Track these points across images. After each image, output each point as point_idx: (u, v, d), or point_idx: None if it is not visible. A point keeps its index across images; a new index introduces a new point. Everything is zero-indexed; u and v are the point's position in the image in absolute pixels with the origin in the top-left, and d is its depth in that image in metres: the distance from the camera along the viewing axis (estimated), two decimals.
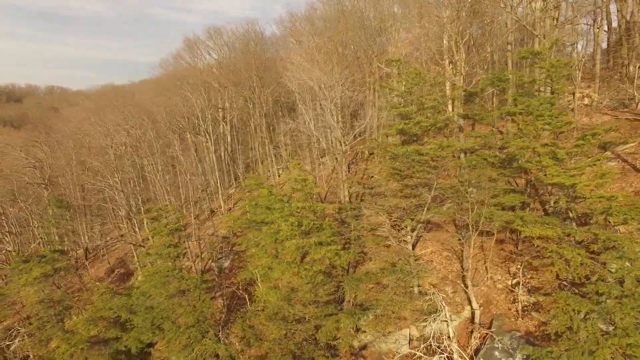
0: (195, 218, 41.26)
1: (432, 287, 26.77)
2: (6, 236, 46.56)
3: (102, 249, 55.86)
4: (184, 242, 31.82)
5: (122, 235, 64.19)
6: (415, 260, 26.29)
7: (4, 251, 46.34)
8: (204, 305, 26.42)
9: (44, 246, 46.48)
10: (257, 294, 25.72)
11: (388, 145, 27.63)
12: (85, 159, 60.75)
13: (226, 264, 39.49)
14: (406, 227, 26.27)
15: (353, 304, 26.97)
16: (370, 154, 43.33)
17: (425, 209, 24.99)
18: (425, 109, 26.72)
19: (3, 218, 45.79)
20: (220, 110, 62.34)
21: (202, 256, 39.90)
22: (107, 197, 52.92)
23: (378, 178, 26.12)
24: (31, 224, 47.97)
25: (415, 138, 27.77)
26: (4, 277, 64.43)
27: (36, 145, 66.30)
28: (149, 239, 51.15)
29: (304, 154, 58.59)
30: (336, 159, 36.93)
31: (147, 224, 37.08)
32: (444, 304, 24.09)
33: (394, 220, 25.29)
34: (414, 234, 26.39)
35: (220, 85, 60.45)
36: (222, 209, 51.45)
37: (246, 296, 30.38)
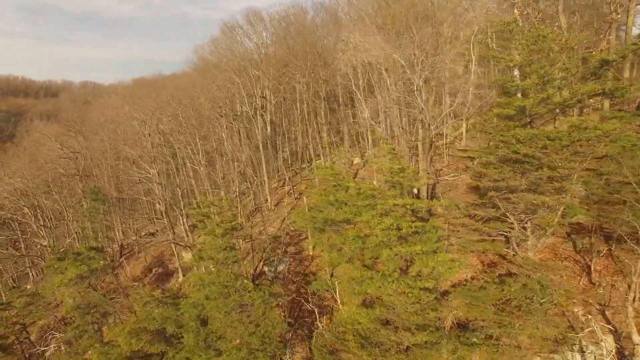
0: (242, 214, 36.42)
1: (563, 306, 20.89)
2: (41, 230, 43.16)
3: (137, 245, 52.09)
4: (238, 243, 26.94)
5: (156, 232, 60.61)
6: (540, 271, 20.43)
7: (39, 246, 42.97)
8: (271, 323, 21.39)
9: (79, 242, 43.05)
10: (341, 311, 20.43)
11: (500, 126, 21.78)
12: (122, 149, 57.22)
13: (280, 267, 34.55)
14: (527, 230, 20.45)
15: (456, 325, 21.44)
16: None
17: (561, 208, 19.07)
18: (550, 81, 20.78)
19: (38, 211, 42.35)
20: (261, 98, 57.52)
21: (253, 258, 35.17)
22: (144, 190, 49.02)
23: (492, 168, 20.40)
24: (66, 218, 44.45)
25: (529, 119, 21.93)
26: (40, 271, 62.09)
27: (71, 135, 63.43)
28: (187, 236, 46.99)
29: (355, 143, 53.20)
30: (416, 148, 31.24)
31: (195, 220, 32.58)
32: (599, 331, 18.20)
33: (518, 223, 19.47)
34: (541, 240, 20.51)
35: (262, 72, 55.50)
36: (269, 203, 46.62)
37: (315, 310, 25.20)
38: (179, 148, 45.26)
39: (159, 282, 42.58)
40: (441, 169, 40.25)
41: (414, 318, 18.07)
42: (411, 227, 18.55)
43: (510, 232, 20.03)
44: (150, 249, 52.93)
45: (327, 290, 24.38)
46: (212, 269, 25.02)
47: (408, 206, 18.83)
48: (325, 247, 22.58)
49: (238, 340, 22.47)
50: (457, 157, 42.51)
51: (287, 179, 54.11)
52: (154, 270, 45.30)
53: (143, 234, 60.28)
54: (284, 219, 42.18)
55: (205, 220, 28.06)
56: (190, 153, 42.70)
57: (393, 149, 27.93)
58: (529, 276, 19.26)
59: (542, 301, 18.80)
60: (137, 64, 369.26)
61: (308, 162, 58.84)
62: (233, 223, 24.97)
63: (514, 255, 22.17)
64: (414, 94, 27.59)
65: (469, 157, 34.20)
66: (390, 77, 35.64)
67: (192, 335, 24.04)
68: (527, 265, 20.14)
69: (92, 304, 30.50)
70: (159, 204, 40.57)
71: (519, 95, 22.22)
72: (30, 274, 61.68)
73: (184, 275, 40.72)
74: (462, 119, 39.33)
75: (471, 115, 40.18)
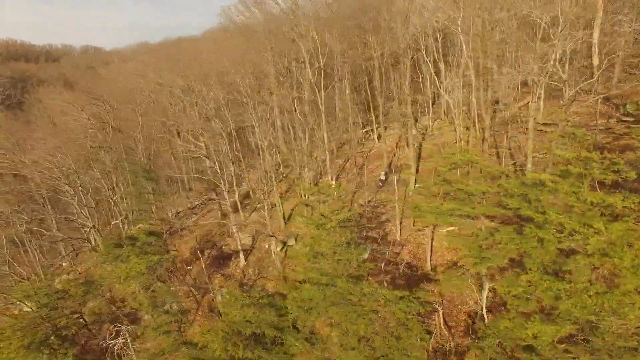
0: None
1: None
2: (84, 210, 39.58)
3: (180, 224, 48.69)
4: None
5: (195, 207, 57.12)
6: None
7: (84, 228, 39.54)
8: (414, 335, 18.12)
9: (128, 225, 39.66)
10: (501, 322, 16.94)
11: None
12: (156, 119, 52.83)
13: (365, 255, 31.20)
14: None
15: None
16: None
17: None
18: None
19: (80, 189, 38.54)
20: (302, 64, 52.18)
21: None
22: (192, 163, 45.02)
23: None
24: (110, 197, 40.79)
25: None
26: (89, 250, 58.62)
27: (98, 104, 58.77)
28: (241, 216, 43.53)
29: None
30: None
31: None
32: None
33: None
34: None
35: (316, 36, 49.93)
36: (329, 179, 42.84)
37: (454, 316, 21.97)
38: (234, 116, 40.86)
39: (214, 266, 39.43)
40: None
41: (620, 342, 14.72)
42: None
43: None
44: (195, 228, 49.61)
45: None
46: (324, 267, 21.59)
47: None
48: (472, 248, 18.89)
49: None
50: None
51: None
52: (205, 252, 42.09)
53: (181, 209, 56.83)
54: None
55: (309, 209, 24.24)
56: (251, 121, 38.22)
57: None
58: None
59: None
60: (136, 29, 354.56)
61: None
62: (349, 214, 21.32)
63: None
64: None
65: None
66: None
67: (299, 342, 20.96)
68: None
69: (166, 301, 27.48)
70: (220, 183, 36.74)
71: None
72: (62, 251, 58.94)
73: (245, 260, 37.56)
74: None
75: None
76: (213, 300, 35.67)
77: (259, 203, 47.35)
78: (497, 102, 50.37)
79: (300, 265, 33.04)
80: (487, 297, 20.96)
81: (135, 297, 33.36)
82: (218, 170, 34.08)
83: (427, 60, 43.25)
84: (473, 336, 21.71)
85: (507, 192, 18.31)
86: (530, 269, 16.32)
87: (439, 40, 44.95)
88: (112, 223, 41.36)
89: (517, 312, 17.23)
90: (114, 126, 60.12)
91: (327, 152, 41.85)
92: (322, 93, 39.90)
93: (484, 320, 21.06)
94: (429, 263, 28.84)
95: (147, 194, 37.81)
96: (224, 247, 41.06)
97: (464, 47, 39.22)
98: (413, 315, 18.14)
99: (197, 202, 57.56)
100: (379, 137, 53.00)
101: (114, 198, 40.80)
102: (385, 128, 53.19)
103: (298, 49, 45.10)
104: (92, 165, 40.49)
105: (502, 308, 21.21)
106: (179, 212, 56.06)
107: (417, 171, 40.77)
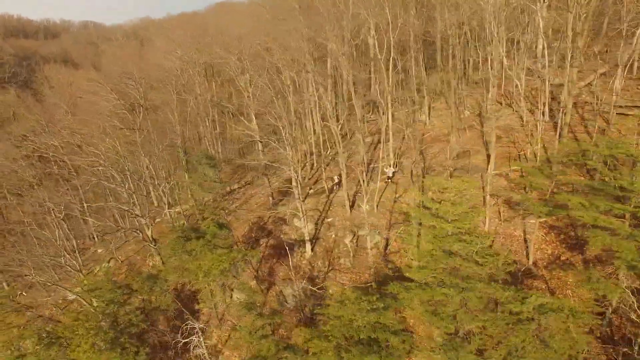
0: None
1: None
2: (132, 197, 37.26)
3: (227, 211, 46.54)
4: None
5: (244, 185, 54.72)
6: None
7: (133, 215, 37.29)
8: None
9: (185, 216, 37.43)
10: None
11: None
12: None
13: None
14: None
15: None
16: None
17: None
18: None
19: (128, 175, 35.98)
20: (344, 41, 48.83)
21: None
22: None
23: None
24: (161, 185, 38.42)
25: None
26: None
27: (130, 84, 55.64)
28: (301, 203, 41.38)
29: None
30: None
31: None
32: None
33: None
34: None
35: None
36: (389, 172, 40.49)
37: None
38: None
39: (274, 257, 37.53)
40: None
41: None
42: None
43: None
44: (239, 214, 47.45)
45: None
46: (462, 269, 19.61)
47: None
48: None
49: None
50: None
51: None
52: (261, 241, 40.16)
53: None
54: None
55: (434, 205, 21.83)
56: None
57: None
58: None
59: None
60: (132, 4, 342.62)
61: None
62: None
63: None
64: None
65: None
66: None
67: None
68: None
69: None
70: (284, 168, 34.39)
71: None
72: (94, 238, 56.88)
73: (312, 250, 35.62)
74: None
75: None
76: (281, 294, 33.98)
77: (310, 189, 45.24)
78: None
79: (404, 262, 31.24)
80: None
81: (212, 293, 31.57)
82: (289, 154, 31.51)
83: (496, 37, 40.34)
84: None
85: None
86: None
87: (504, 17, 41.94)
88: (165, 211, 39.09)
89: None
90: (145, 106, 57.25)
91: (390, 136, 39.35)
92: (390, 73, 37.18)
93: None
94: (528, 257, 27.01)
95: (212, 182, 35.38)
96: (282, 236, 39.04)
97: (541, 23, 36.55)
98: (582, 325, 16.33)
99: (235, 186, 55.31)
100: (428, 118, 50.45)
101: (162, 186, 38.37)
102: (429, 109, 50.49)
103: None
104: (140, 149, 37.78)
105: None
106: (215, 199, 53.81)
107: (488, 157, 38.51)
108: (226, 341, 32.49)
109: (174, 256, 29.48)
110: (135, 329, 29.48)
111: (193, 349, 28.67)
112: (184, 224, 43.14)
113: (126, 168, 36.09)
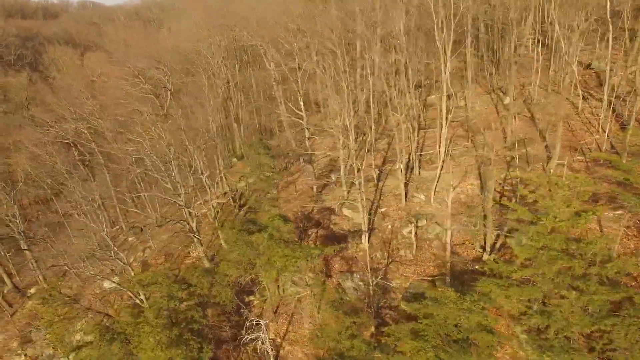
0: None
1: None
2: (177, 188, 35.83)
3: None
4: None
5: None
6: None
7: (179, 206, 35.99)
8: None
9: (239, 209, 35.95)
10: None
11: None
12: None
13: None
14: None
15: None
16: None
17: None
18: None
19: (176, 164, 34.38)
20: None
21: None
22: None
23: None
24: (204, 175, 36.96)
25: None
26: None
27: (158, 67, 53.63)
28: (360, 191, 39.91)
29: None
30: None
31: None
32: None
33: None
34: None
35: None
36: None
37: None
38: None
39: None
40: None
41: None
42: None
43: None
44: (279, 201, 46.09)
45: None
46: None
47: None
48: None
49: None
50: None
51: None
52: (310, 232, 39.04)
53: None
54: None
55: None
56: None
57: None
58: None
59: None
60: None
61: None
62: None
63: None
64: None
65: None
66: None
67: None
68: None
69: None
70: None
71: None
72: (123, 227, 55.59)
73: (368, 241, 34.52)
74: None
75: None
76: (340, 286, 33.05)
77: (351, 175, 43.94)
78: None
79: (471, 254, 30.08)
80: None
81: (267, 286, 30.64)
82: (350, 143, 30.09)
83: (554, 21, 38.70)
84: None
85: None
86: None
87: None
88: (212, 201, 37.70)
89: None
90: (172, 91, 55.43)
91: (444, 123, 37.87)
92: (448, 56, 35.52)
93: None
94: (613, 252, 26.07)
95: (269, 172, 33.97)
96: (332, 226, 37.96)
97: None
98: None
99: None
100: (467, 104, 48.76)
101: (205, 176, 36.92)
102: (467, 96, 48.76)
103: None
104: (185, 137, 36.16)
105: None
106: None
107: (546, 146, 37.28)
108: (284, 335, 31.71)
109: (236, 250, 28.30)
110: (196, 325, 28.63)
111: (255, 344, 27.93)
112: (218, 212, 41.92)
113: (172, 157, 34.60)
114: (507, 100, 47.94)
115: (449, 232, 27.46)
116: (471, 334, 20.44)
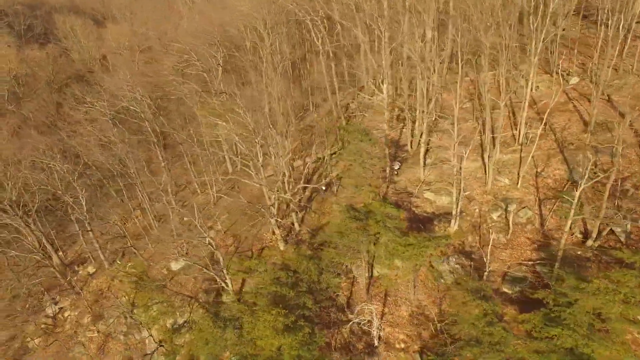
0: None
1: None
2: (259, 173, 35.43)
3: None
4: None
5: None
6: None
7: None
8: None
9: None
10: None
11: None
12: None
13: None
14: None
15: None
16: None
17: None
18: None
19: (261, 146, 33.70)
20: None
21: None
22: None
23: None
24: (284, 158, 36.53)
25: None
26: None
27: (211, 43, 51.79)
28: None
29: None
30: None
31: None
32: None
33: None
34: None
35: None
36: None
37: None
38: None
39: (412, 232, 36.73)
40: None
41: None
42: None
43: None
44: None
45: None
46: None
47: None
48: None
49: None
50: None
51: None
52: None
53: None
54: None
55: None
56: None
57: None
58: None
59: None
60: None
61: None
62: None
63: None
64: None
65: None
66: None
67: None
68: None
69: None
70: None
71: None
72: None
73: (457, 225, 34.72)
74: None
75: None
76: (434, 269, 33.39)
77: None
78: None
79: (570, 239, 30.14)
80: None
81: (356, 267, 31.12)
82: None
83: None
84: None
85: None
86: None
87: None
88: (298, 186, 37.43)
89: None
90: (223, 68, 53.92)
91: (525, 104, 37.35)
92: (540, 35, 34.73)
93: None
94: None
95: (368, 159, 33.61)
96: (414, 209, 38.04)
97: None
98: None
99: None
100: (531, 84, 47.84)
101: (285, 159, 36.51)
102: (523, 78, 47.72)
103: None
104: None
105: None
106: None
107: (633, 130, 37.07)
108: (381, 317, 32.33)
109: (346, 237, 28.45)
110: (307, 311, 29.14)
111: (361, 326, 28.63)
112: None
113: (257, 140, 34.15)
114: (572, 80, 47.26)
115: (521, 215, 27.77)
116: (613, 324, 21.05)
